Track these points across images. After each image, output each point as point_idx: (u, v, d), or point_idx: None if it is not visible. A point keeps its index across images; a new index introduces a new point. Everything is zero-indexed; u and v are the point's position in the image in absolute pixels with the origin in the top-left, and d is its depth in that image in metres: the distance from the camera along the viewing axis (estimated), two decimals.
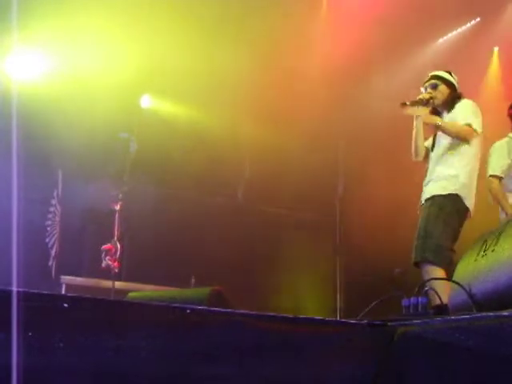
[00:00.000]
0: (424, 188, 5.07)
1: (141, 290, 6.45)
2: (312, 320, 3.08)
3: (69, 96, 6.85)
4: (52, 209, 7.09)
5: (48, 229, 7.03)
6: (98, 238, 6.70)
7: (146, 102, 8.04)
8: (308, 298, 6.66)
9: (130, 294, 5.49)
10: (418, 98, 4.97)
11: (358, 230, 6.78)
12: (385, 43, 7.45)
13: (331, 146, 7.70)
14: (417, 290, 3.85)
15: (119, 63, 7.06)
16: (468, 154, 4.95)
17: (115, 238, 6.38)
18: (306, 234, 7.61)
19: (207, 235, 7.56)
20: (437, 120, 4.87)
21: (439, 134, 5.00)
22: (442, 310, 4.29)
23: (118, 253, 6.34)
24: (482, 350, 2.72)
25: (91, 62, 7.03)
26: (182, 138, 7.71)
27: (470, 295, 3.90)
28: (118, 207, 6.45)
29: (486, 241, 4.07)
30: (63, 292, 6.41)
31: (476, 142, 4.97)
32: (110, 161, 7.00)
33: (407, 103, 4.87)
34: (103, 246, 6.35)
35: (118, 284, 6.45)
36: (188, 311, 2.70)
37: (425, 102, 4.97)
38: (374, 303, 4.16)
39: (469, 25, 8.48)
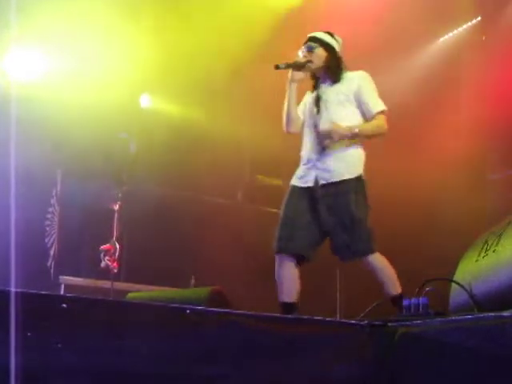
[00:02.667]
0: (314, 166, 4.36)
1: (140, 291, 6.45)
2: (312, 320, 3.08)
3: (68, 95, 6.84)
4: (51, 209, 7.08)
5: (47, 229, 7.02)
6: (97, 238, 6.69)
7: (146, 101, 8.03)
8: (308, 298, 6.64)
9: (129, 295, 5.49)
10: (292, 61, 4.41)
11: None
12: (384, 42, 7.44)
13: None
14: (417, 290, 3.85)
15: (119, 63, 7.05)
16: None
17: (114, 238, 6.37)
18: None
19: (207, 235, 7.56)
20: (353, 129, 4.25)
21: (325, 100, 4.44)
22: (397, 300, 4.13)
23: (117, 253, 6.33)
24: (482, 350, 2.73)
25: (90, 62, 7.02)
26: (181, 137, 7.70)
27: (471, 295, 3.91)
28: (117, 207, 6.45)
29: (486, 241, 4.09)
30: (62, 292, 6.40)
31: None
32: (109, 161, 6.99)
33: (281, 66, 4.32)
34: (102, 246, 6.34)
35: (117, 284, 6.44)
36: (188, 311, 2.71)
37: (300, 67, 4.39)
38: (374, 304, 4.17)
39: (470, 24, 8.49)
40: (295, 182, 4.41)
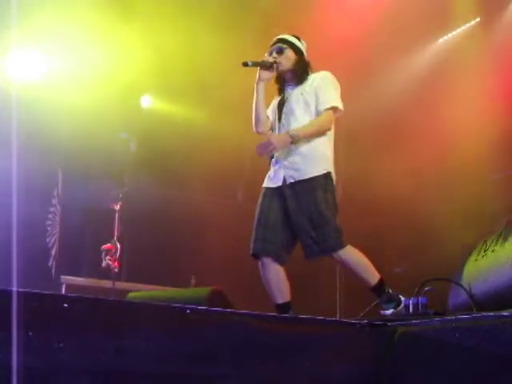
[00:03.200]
0: (283, 166, 4.37)
1: (141, 290, 6.45)
2: (313, 320, 3.09)
3: (68, 96, 6.85)
4: (52, 209, 7.09)
5: (48, 229, 7.03)
6: (98, 237, 6.70)
7: (147, 102, 8.03)
8: (308, 297, 6.64)
9: (130, 294, 5.49)
10: (261, 59, 4.38)
11: (357, 230, 6.77)
12: (384, 43, 7.43)
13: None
14: (417, 290, 3.86)
15: (119, 63, 7.06)
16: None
17: (115, 238, 6.38)
18: None
19: (207, 235, 7.56)
20: (287, 136, 4.26)
21: (289, 104, 4.43)
22: (378, 288, 4.14)
23: (118, 253, 6.34)
24: (482, 350, 2.73)
25: (90, 62, 7.02)
26: (181, 138, 7.70)
27: (471, 295, 3.92)
28: (117, 207, 6.46)
29: (485, 241, 4.09)
30: (63, 292, 6.41)
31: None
32: (110, 161, 7.00)
33: (249, 63, 4.31)
34: (103, 246, 6.35)
35: (118, 284, 6.45)
36: (188, 311, 2.71)
37: (268, 66, 4.35)
38: (374, 303, 4.17)
39: (469, 25, 8.48)
40: (266, 183, 4.45)
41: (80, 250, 7.39)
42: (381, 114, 7.28)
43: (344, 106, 4.39)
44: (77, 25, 6.74)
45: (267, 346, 2.82)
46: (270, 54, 4.45)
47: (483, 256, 4.06)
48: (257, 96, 4.45)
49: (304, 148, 4.32)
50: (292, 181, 4.29)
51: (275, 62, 4.38)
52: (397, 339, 3.09)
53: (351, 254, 4.19)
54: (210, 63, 7.40)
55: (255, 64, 4.36)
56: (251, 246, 4.37)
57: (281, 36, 4.51)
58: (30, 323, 2.32)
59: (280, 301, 4.27)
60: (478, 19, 8.37)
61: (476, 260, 4.19)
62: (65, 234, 7.01)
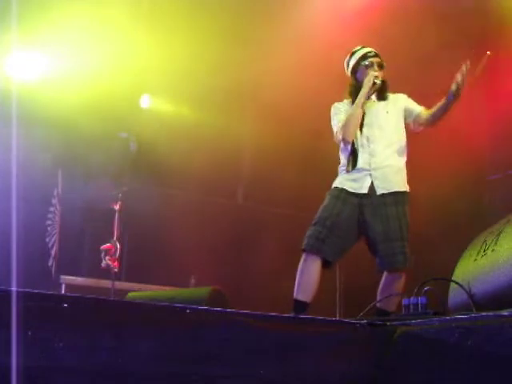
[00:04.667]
0: (369, 172, 4.47)
1: (140, 290, 6.46)
2: (313, 320, 3.09)
3: (68, 96, 6.85)
4: (52, 208, 7.09)
5: (48, 229, 7.03)
6: (98, 237, 6.70)
7: (146, 102, 8.02)
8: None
9: (130, 294, 5.50)
10: (380, 79, 4.50)
11: None
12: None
13: (331, 145, 7.72)
14: (416, 290, 3.85)
15: (120, 63, 7.05)
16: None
17: (115, 238, 6.38)
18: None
19: (207, 235, 7.56)
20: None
21: (381, 108, 4.59)
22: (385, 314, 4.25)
23: (118, 253, 6.34)
24: (481, 349, 2.73)
25: (91, 62, 7.02)
26: (181, 137, 7.70)
27: (470, 295, 3.91)
28: (117, 207, 6.45)
29: (485, 241, 4.09)
30: (63, 292, 6.41)
31: None
32: (110, 161, 7.01)
33: (378, 82, 4.47)
34: (103, 246, 6.34)
35: (118, 284, 6.45)
36: (188, 311, 2.71)
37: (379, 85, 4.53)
38: (373, 303, 4.17)
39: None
40: (347, 186, 4.49)
41: (80, 250, 7.40)
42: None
43: None
44: (77, 24, 6.73)
45: (267, 345, 2.82)
46: (370, 65, 4.55)
47: (483, 256, 4.06)
48: (360, 112, 4.52)
49: (391, 162, 4.51)
50: (384, 192, 4.42)
51: (383, 80, 4.54)
52: (396, 339, 3.09)
53: (404, 279, 4.41)
54: (210, 63, 7.40)
55: (382, 82, 4.50)
56: (307, 241, 4.38)
57: (374, 51, 4.63)
58: (29, 323, 2.32)
59: (300, 297, 4.33)
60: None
61: (475, 259, 4.19)
62: (65, 234, 7.01)
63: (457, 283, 4.18)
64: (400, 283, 4.37)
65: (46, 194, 7.03)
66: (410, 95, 4.69)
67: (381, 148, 4.47)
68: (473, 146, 7.24)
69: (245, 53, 7.18)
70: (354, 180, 4.44)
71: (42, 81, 7.09)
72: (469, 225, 5.43)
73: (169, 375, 2.56)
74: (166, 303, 2.91)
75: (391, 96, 4.60)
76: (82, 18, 6.73)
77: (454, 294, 4.32)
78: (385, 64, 4.56)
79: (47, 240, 6.97)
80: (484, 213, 6.52)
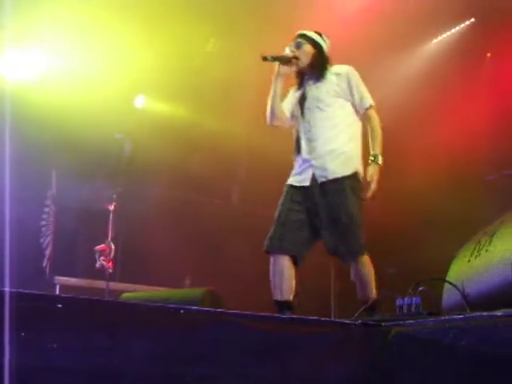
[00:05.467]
0: (310, 161, 4.36)
1: (135, 291, 6.46)
2: (307, 320, 3.09)
3: (63, 96, 6.85)
4: (47, 209, 7.09)
5: (43, 229, 7.03)
6: (92, 238, 6.70)
7: (141, 102, 8.02)
8: (303, 298, 6.63)
9: (124, 295, 5.50)
10: (280, 54, 4.39)
11: None
12: (376, 44, 7.42)
13: None
14: (411, 290, 3.85)
15: (114, 64, 7.07)
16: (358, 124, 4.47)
17: (109, 239, 6.38)
18: None
19: (202, 236, 7.57)
20: (376, 166, 4.32)
21: (311, 100, 4.43)
22: (372, 304, 4.18)
23: (112, 253, 6.34)
24: (475, 349, 2.73)
25: (85, 63, 7.03)
26: (176, 138, 7.71)
27: (464, 295, 3.92)
28: (112, 208, 6.46)
29: (479, 241, 4.10)
30: (57, 292, 6.41)
31: None
32: (105, 161, 7.01)
33: (268, 57, 4.31)
34: (97, 247, 6.34)
35: (112, 284, 6.45)
36: (182, 311, 2.71)
37: (287, 61, 4.37)
38: (368, 303, 4.17)
39: (463, 25, 8.51)
40: (290, 180, 4.42)
41: (74, 251, 7.40)
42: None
43: None
44: (71, 26, 6.74)
45: (261, 346, 2.82)
46: (289, 48, 4.45)
47: (477, 256, 4.07)
48: (274, 90, 4.46)
49: (332, 147, 4.33)
50: (323, 180, 4.28)
51: (294, 57, 4.40)
52: (391, 339, 3.09)
53: (366, 265, 4.26)
54: (205, 64, 7.40)
55: (274, 58, 4.37)
56: (266, 242, 4.34)
57: (300, 32, 4.52)
58: (23, 323, 2.32)
59: (279, 298, 4.28)
60: (472, 20, 8.42)
61: (469, 260, 4.20)
62: (59, 235, 7.01)
63: (451, 283, 4.19)
64: (365, 269, 4.26)
65: (41, 194, 7.03)
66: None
67: (320, 132, 4.36)
68: (469, 146, 7.27)
69: (241, 52, 7.19)
70: (299, 173, 4.37)
71: (37, 81, 7.10)
72: (463, 225, 5.44)
73: (163, 376, 2.56)
74: (160, 304, 2.91)
75: (334, 74, 4.45)
76: (77, 19, 6.73)
77: (448, 295, 4.33)
78: (303, 42, 4.44)
79: (42, 241, 6.97)
80: (478, 213, 6.52)
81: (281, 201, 4.40)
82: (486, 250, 3.93)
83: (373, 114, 4.41)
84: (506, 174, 7.03)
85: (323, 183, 4.28)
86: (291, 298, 4.29)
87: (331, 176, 4.27)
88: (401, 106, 7.42)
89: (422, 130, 7.74)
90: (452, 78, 7.80)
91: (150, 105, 8.03)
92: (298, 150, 4.44)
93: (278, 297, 4.29)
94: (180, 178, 7.89)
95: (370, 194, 4.25)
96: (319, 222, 4.28)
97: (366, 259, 4.25)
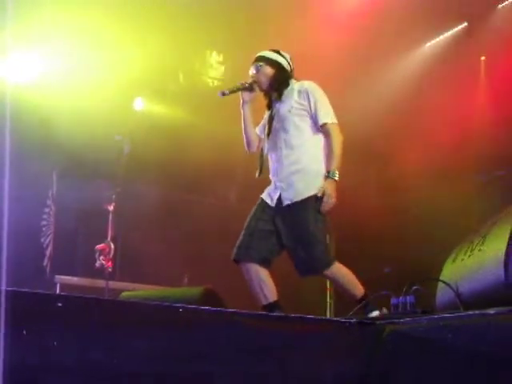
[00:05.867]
0: (276, 183, 4.39)
1: (134, 290, 6.48)
2: (303, 319, 3.13)
3: (63, 97, 6.88)
4: (47, 209, 7.12)
5: (43, 229, 7.07)
6: (92, 238, 6.73)
7: (140, 104, 8.04)
8: (299, 297, 6.68)
9: (124, 294, 5.52)
10: (237, 84, 4.41)
11: (346, 230, 6.80)
12: (371, 47, 7.42)
13: None
14: (405, 289, 3.89)
15: (113, 66, 7.09)
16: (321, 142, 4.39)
17: (109, 238, 6.41)
18: None
19: (200, 235, 7.60)
20: (333, 182, 4.26)
21: (277, 119, 4.42)
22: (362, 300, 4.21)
23: (112, 252, 6.37)
24: (468, 347, 2.78)
25: (85, 65, 7.06)
26: (175, 139, 7.74)
27: (457, 294, 3.96)
28: (111, 208, 6.49)
29: (472, 241, 4.15)
30: (58, 291, 6.44)
31: None
32: (104, 162, 7.04)
33: (226, 92, 4.35)
34: (97, 246, 6.38)
35: (112, 283, 6.48)
36: (180, 310, 2.75)
37: (246, 88, 4.37)
38: (363, 302, 4.21)
39: (456, 30, 8.54)
40: (264, 195, 4.46)
41: (74, 250, 7.43)
42: (368, 119, 7.27)
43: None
44: (72, 28, 6.77)
45: (258, 344, 2.85)
46: (250, 72, 4.47)
47: (470, 256, 4.12)
48: (244, 118, 4.49)
49: (297, 167, 4.34)
50: (288, 202, 4.31)
51: (254, 82, 4.41)
52: (385, 337, 3.12)
53: (337, 273, 4.25)
54: (202, 66, 7.44)
55: (232, 91, 4.39)
56: (234, 251, 4.37)
57: (258, 54, 4.50)
58: (24, 322, 2.34)
59: (264, 302, 4.28)
60: (464, 24, 8.46)
61: (463, 259, 4.24)
62: (59, 234, 7.04)
63: (444, 282, 4.23)
64: (338, 277, 4.26)
65: (42, 194, 7.06)
66: None
67: (285, 153, 4.36)
68: (464, 147, 7.30)
69: (236, 55, 7.21)
70: (269, 193, 4.42)
71: (37, 83, 7.12)
72: (457, 225, 5.47)
73: (162, 373, 2.58)
74: (159, 302, 2.94)
75: (296, 91, 4.43)
76: (77, 21, 6.76)
77: (442, 293, 4.37)
78: (260, 65, 4.43)
79: (42, 240, 7.01)
80: (473, 213, 6.56)
81: (252, 211, 4.43)
82: (479, 250, 3.97)
83: (331, 129, 4.33)
84: (498, 176, 7.09)
85: (288, 205, 4.31)
86: (276, 297, 4.30)
87: (296, 198, 4.30)
88: (395, 108, 7.45)
89: (416, 132, 7.77)
90: (446, 80, 7.82)
91: (148, 106, 8.04)
92: (260, 168, 4.47)
93: (263, 302, 4.29)
94: (178, 178, 7.92)
95: (324, 208, 4.23)
96: (282, 240, 4.32)
97: (335, 267, 4.25)
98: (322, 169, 4.32)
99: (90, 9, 6.69)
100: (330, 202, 4.23)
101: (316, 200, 4.25)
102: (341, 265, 4.28)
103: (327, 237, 4.32)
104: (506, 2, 7.95)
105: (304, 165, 4.33)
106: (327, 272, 4.24)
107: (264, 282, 4.31)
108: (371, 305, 4.17)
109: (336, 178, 4.26)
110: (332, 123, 4.33)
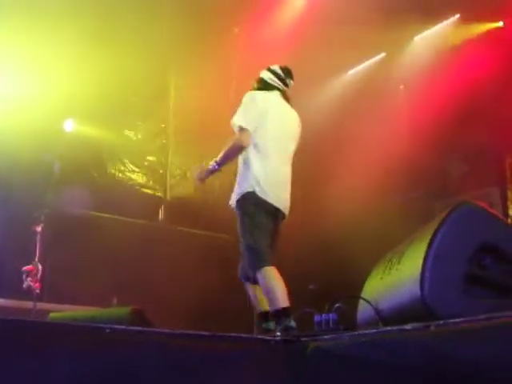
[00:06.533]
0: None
1: (63, 311, 6.41)
2: (228, 337, 3.19)
3: None
4: None
5: None
6: (19, 258, 6.63)
7: (70, 126, 7.97)
8: (225, 314, 6.73)
9: (52, 315, 5.46)
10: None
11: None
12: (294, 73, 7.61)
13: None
14: (328, 306, 3.99)
15: (44, 88, 7.05)
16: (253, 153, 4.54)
17: (36, 259, 6.34)
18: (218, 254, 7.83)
19: (128, 256, 7.56)
20: (209, 167, 4.58)
21: None
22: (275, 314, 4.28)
23: (40, 274, 6.29)
24: (386, 361, 2.90)
25: (16, 87, 7.00)
26: (104, 160, 7.75)
27: (377, 311, 4.09)
28: (39, 229, 6.41)
29: (390, 260, 4.28)
30: None
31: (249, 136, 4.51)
32: (33, 182, 6.96)
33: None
34: (24, 268, 6.29)
35: (40, 305, 6.38)
36: (107, 330, 2.78)
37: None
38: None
39: (374, 59, 8.83)
40: None
41: (1, 271, 7.30)
42: None
43: None
44: (3, 50, 6.72)
45: (186, 363, 2.89)
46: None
47: (388, 274, 4.24)
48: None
49: (239, 171, 4.61)
50: (231, 204, 4.61)
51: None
52: (309, 354, 3.21)
53: (266, 276, 4.30)
54: (133, 88, 7.46)
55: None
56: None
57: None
58: None
59: (261, 309, 4.53)
60: (383, 55, 8.78)
61: (382, 278, 4.36)
62: None
63: (365, 300, 4.35)
64: (264, 281, 4.32)
65: None
66: None
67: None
68: (381, 170, 7.53)
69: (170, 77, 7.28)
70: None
71: None
72: (378, 245, 5.58)
73: None
74: (87, 323, 2.95)
75: None
76: (8, 44, 6.72)
77: (363, 311, 4.48)
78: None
79: None
80: (392, 233, 6.75)
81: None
82: (397, 269, 4.10)
83: (236, 130, 4.51)
84: (414, 197, 7.36)
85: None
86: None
87: (233, 200, 4.57)
88: (320, 131, 7.62)
89: (338, 157, 8.01)
90: (368, 106, 8.06)
91: (78, 128, 7.97)
92: None
93: (261, 309, 4.54)
94: (107, 199, 7.89)
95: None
96: None
97: (264, 271, 4.30)
98: (248, 172, 4.50)
99: (22, 32, 6.67)
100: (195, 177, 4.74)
101: (242, 202, 4.49)
102: (272, 271, 4.31)
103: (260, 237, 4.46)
104: (423, 34, 8.33)
105: (240, 171, 4.62)
106: (258, 274, 4.33)
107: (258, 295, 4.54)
108: (283, 325, 4.13)
109: (210, 167, 4.55)
110: (239, 125, 4.48)
